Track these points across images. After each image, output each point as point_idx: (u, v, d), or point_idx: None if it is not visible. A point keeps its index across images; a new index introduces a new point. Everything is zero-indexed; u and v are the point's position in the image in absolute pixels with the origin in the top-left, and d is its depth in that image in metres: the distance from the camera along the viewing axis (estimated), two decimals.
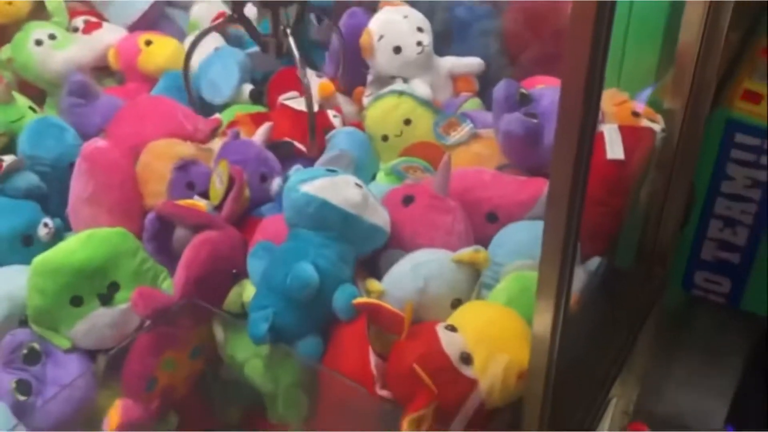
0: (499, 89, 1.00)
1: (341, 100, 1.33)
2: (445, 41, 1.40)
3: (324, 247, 0.88)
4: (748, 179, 1.69)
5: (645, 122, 1.07)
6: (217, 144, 1.13)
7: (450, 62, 1.31)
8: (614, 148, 0.94)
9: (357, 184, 0.90)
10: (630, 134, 0.98)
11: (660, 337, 1.19)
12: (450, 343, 0.77)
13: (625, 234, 1.16)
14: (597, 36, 0.59)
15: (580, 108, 0.64)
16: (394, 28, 1.26)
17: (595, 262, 0.95)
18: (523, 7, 1.40)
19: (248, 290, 0.98)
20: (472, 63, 1.30)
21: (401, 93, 1.18)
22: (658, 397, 1.05)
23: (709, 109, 1.51)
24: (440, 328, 0.79)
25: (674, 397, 1.04)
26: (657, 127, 1.06)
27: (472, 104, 1.26)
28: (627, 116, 1.08)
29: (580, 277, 0.93)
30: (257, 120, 1.22)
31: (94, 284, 0.91)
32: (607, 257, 1.00)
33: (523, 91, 1.00)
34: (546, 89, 1.03)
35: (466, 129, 1.11)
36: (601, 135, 0.97)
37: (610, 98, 1.12)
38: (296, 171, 0.98)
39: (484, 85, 1.34)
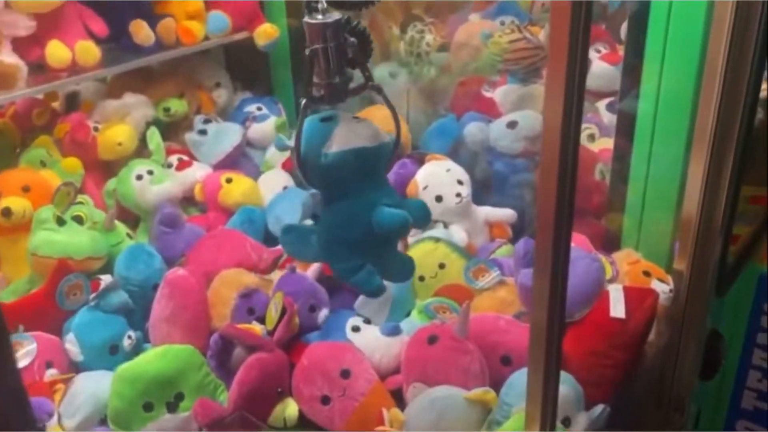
0: (519, 246, 1.15)
1: None
2: (485, 189, 1.58)
3: (376, 188, 0.93)
4: None
5: (654, 282, 1.19)
6: (276, 276, 1.31)
7: (486, 211, 1.47)
8: (617, 307, 1.06)
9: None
10: (634, 294, 1.10)
11: None
12: None
13: (641, 382, 1.25)
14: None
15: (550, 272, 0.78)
16: (437, 179, 1.45)
17: (598, 408, 1.05)
18: None
19: (290, 407, 1.12)
20: (505, 214, 1.47)
21: (438, 239, 1.34)
22: None
23: (743, 265, 1.60)
24: None
25: None
26: (665, 287, 1.18)
27: (504, 251, 1.41)
28: (638, 275, 1.20)
29: (583, 422, 1.03)
30: None
31: (164, 393, 1.08)
32: (614, 404, 1.10)
33: None
34: None
35: (493, 275, 1.25)
36: (607, 293, 1.09)
37: (624, 258, 1.25)
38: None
39: (518, 232, 1.50)
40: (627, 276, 1.20)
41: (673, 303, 1.21)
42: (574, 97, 0.74)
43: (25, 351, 1.16)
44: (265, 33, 1.74)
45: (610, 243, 1.38)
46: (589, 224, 1.42)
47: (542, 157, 0.77)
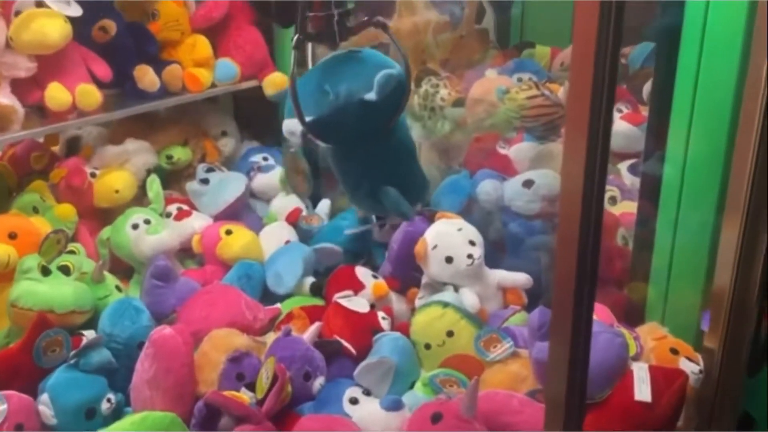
0: (534, 317, 1.06)
1: (394, 298, 1.41)
2: (498, 251, 1.49)
3: None
4: None
5: (682, 361, 1.08)
6: (271, 338, 1.22)
7: (499, 275, 1.38)
8: (642, 389, 0.96)
9: None
10: (661, 375, 0.99)
11: None
12: None
13: None
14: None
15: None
16: (448, 239, 1.35)
17: None
18: None
19: None
20: (520, 278, 1.37)
21: (446, 304, 1.25)
22: None
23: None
24: None
25: None
26: (694, 367, 1.07)
27: (518, 318, 1.31)
28: (664, 352, 1.10)
29: None
30: (312, 314, 1.31)
31: None
32: None
33: None
34: None
35: (506, 346, 1.15)
36: (631, 373, 0.99)
37: (649, 332, 1.15)
38: None
39: (534, 298, 1.40)
40: (652, 353, 1.10)
41: (704, 385, 1.10)
42: (596, 157, 0.67)
43: None
44: (274, 82, 1.70)
45: (633, 315, 1.28)
46: (609, 293, 1.33)
47: (561, 221, 0.70)
